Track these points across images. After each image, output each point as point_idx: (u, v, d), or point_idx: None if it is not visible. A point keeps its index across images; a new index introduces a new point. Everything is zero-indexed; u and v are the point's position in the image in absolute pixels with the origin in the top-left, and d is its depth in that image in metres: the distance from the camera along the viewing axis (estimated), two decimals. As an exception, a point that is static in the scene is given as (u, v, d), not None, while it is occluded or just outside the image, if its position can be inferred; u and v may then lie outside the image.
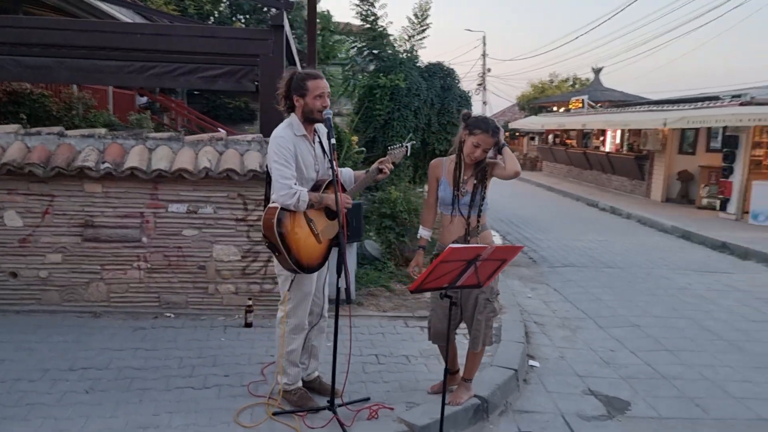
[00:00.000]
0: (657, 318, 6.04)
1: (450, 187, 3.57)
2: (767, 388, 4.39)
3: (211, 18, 21.34)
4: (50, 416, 3.33)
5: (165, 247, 4.97)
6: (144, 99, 16.27)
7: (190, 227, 4.97)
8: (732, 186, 13.09)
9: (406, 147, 3.66)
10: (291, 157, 3.31)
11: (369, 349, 4.49)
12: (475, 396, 3.76)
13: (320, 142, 3.49)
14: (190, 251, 5.00)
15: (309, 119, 3.40)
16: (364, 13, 9.25)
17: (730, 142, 13.15)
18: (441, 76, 9.50)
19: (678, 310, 6.33)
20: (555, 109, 29.17)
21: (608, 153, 19.80)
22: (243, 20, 23.71)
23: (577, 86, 35.36)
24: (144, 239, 4.94)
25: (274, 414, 3.40)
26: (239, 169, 4.84)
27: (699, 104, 14.15)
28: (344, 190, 3.51)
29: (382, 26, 9.37)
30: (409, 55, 9.45)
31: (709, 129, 15.35)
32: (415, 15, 9.67)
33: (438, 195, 3.64)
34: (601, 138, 21.95)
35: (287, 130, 3.37)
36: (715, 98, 14.33)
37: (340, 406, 3.45)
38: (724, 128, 14.49)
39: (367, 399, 3.66)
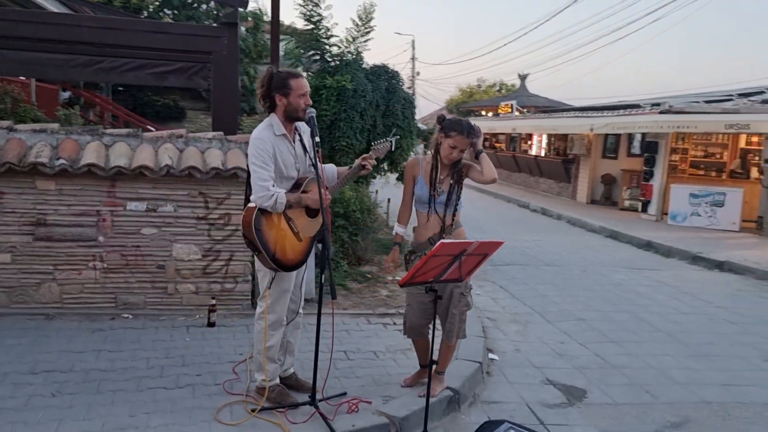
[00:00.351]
0: (599, 312, 6.40)
1: (427, 186, 3.68)
2: (707, 374, 4.76)
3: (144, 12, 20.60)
4: (19, 421, 3.21)
5: (123, 246, 4.84)
6: (67, 94, 15.55)
7: (150, 226, 4.86)
8: (653, 189, 13.92)
9: (390, 142, 3.76)
10: (269, 158, 3.33)
11: (336, 346, 4.54)
12: (448, 388, 3.89)
13: (301, 141, 3.52)
14: (149, 250, 4.89)
15: (291, 118, 3.43)
16: (307, 13, 9.24)
17: (650, 147, 13.99)
18: (386, 78, 9.62)
19: (617, 305, 6.72)
20: (483, 113, 30.00)
21: (536, 156, 20.59)
22: (171, 15, 23.01)
23: (503, 92, 36.52)
24: (100, 238, 4.79)
25: (256, 411, 3.40)
26: (202, 167, 4.78)
27: (622, 111, 14.96)
28: (326, 187, 3.55)
29: (326, 27, 9.39)
30: (354, 56, 9.52)
31: (629, 135, 16.25)
32: (360, 17, 9.75)
33: (414, 193, 3.74)
34: (529, 142, 22.77)
35: (266, 131, 3.39)
36: (636, 106, 15.19)
37: (320, 401, 3.50)
38: (644, 135, 15.46)
39: (344, 394, 3.72)
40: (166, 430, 3.21)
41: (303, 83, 3.39)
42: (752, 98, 14.54)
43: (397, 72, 9.87)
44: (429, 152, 3.78)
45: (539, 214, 15.17)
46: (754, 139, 15.36)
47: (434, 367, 3.87)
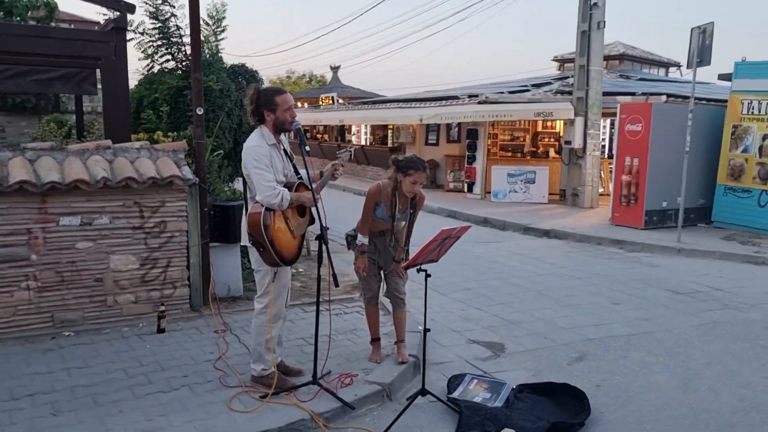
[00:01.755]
0: (477, 281, 7.45)
1: (387, 211, 4.29)
2: (580, 319, 5.97)
3: None
4: (40, 442, 3.23)
5: (57, 263, 4.72)
6: None
7: (85, 239, 4.80)
8: (476, 171, 15.71)
9: (350, 152, 4.26)
10: (269, 162, 3.69)
11: (293, 335, 4.95)
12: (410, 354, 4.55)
13: (284, 149, 3.90)
14: (85, 265, 4.82)
15: (280, 130, 3.80)
16: (153, 10, 9.04)
17: (471, 134, 15.75)
18: (245, 77, 9.82)
19: (488, 274, 7.86)
20: (299, 105, 30.57)
21: (363, 146, 21.74)
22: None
23: (314, 83, 37.36)
24: (33, 257, 4.62)
25: (267, 397, 3.75)
26: (138, 177, 4.83)
27: (445, 102, 16.54)
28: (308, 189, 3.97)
29: (177, 25, 9.25)
30: (212, 56, 9.56)
31: (448, 124, 18.00)
32: (210, 16, 9.80)
33: (376, 215, 4.31)
34: (353, 132, 23.88)
35: (261, 140, 3.73)
36: (455, 97, 16.88)
37: (320, 378, 3.95)
38: (458, 124, 17.31)
39: (329, 372, 4.19)
40: (192, 427, 3.45)
41: (288, 98, 3.78)
42: (544, 88, 17.03)
43: (255, 71, 10.11)
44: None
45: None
46: (548, 123, 17.98)
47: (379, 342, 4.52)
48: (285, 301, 3.95)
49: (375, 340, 4.59)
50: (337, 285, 3.76)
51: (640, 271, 8.21)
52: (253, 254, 3.82)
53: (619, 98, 14.61)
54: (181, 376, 4.10)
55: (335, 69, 32.44)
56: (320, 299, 3.98)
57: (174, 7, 9.13)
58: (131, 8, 6.38)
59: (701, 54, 9.58)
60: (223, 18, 9.88)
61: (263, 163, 3.66)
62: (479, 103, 15.18)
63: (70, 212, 4.70)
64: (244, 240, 3.80)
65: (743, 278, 7.89)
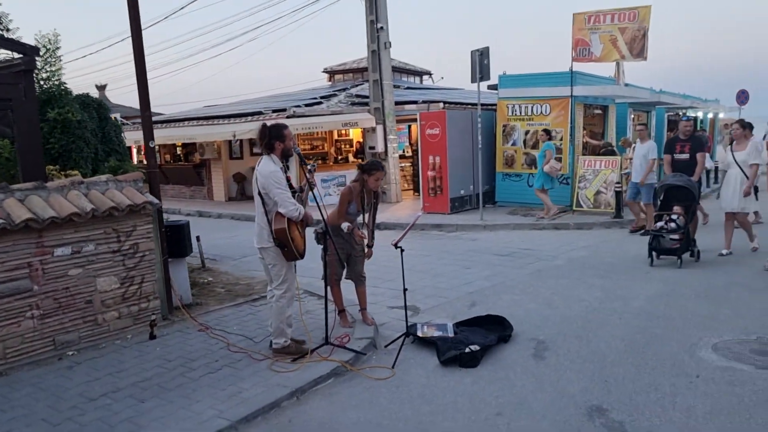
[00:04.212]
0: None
1: (357, 207, 5.65)
2: (453, 282, 7.86)
3: None
4: (152, 416, 4.05)
5: (54, 291, 5.18)
6: None
7: (75, 266, 5.32)
8: (290, 179, 17.06)
9: (314, 166, 5.53)
10: (286, 183, 4.86)
11: (262, 323, 6.01)
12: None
13: (285, 170, 5.07)
14: (77, 289, 5.34)
15: (286, 156, 4.98)
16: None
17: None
18: (94, 107, 10.06)
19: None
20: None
21: (161, 165, 21.62)
22: None
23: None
24: (35, 287, 5.05)
25: (301, 358, 4.91)
26: (118, 206, 5.49)
27: (254, 118, 17.57)
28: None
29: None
30: (58, 89, 9.66)
31: (251, 139, 19.02)
32: (45, 47, 9.87)
33: (349, 211, 5.64)
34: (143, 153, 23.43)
35: (275, 166, 4.88)
36: (260, 113, 18.02)
37: (328, 343, 5.20)
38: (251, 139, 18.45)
39: (326, 338, 5.43)
40: (259, 385, 4.50)
41: (290, 131, 4.98)
42: (334, 99, 19.05)
43: (101, 101, 10.33)
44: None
45: (197, 217, 16.72)
46: (343, 132, 20.12)
47: (345, 312, 5.90)
48: (296, 287, 5.13)
49: (342, 311, 5.92)
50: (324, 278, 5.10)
51: (467, 244, 10.51)
52: (272, 253, 4.93)
53: (407, 107, 17.26)
54: (213, 362, 5.02)
55: (101, 88, 30.94)
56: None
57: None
58: (36, 51, 6.67)
59: (482, 71, 12.29)
60: (58, 47, 9.99)
61: (282, 185, 4.83)
62: (288, 117, 16.59)
63: (62, 243, 5.20)
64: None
65: (537, 239, 10.64)
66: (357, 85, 21.89)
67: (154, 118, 25.01)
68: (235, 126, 17.10)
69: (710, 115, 21.99)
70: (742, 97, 21.82)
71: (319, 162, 19.20)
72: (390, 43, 16.11)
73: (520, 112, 13.79)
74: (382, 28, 15.89)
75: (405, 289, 5.66)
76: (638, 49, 12.79)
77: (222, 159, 19.33)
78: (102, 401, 4.32)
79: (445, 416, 4.07)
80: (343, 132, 20.31)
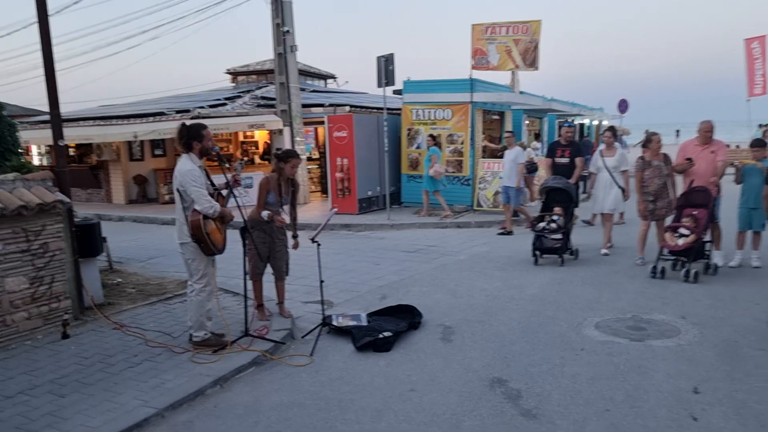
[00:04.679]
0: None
1: (276, 196, 5.85)
2: (364, 277, 8.22)
3: None
4: (82, 410, 4.11)
5: (-40, 292, 5.05)
6: None
7: (-18, 267, 5.20)
8: (196, 181, 16.84)
9: (242, 162, 5.68)
10: (202, 182, 5.01)
11: (180, 318, 6.09)
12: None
13: (205, 170, 5.21)
14: (-16, 290, 5.22)
15: (204, 155, 5.12)
16: None
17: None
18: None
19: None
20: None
21: (52, 167, 20.56)
22: None
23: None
24: (-61, 288, 4.90)
25: (219, 350, 5.07)
26: (28, 205, 5.41)
27: (152, 118, 17.16)
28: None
29: None
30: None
31: (154, 140, 18.59)
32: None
33: (268, 200, 5.83)
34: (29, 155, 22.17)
35: (193, 164, 5.01)
36: (162, 113, 17.62)
37: (248, 334, 5.38)
38: (163, 140, 18.13)
39: (246, 330, 5.60)
40: (183, 376, 4.64)
41: (209, 132, 5.13)
42: (239, 101, 18.99)
43: (2, 102, 9.87)
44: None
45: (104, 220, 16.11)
46: (249, 133, 20.07)
47: (263, 306, 6.12)
48: (214, 282, 5.28)
49: (260, 305, 6.11)
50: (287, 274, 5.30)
51: (376, 243, 10.92)
52: (190, 248, 5.07)
53: (313, 109, 17.50)
54: (132, 356, 5.08)
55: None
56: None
57: None
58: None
59: (387, 76, 12.77)
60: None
61: (198, 183, 4.97)
62: (193, 118, 16.36)
63: (-32, 243, 5.08)
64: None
65: (441, 237, 11.22)
66: (261, 87, 21.89)
67: (40, 118, 23.83)
68: (136, 126, 16.65)
69: (595, 122, 23.77)
70: (623, 106, 23.75)
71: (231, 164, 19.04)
72: (296, 46, 16.30)
73: (424, 117, 14.40)
74: (288, 31, 16.04)
75: (321, 281, 5.94)
76: (531, 59, 13.76)
77: (121, 161, 18.68)
78: (20, 398, 4.30)
79: (363, 394, 4.40)
80: (249, 134, 20.24)
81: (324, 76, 29.61)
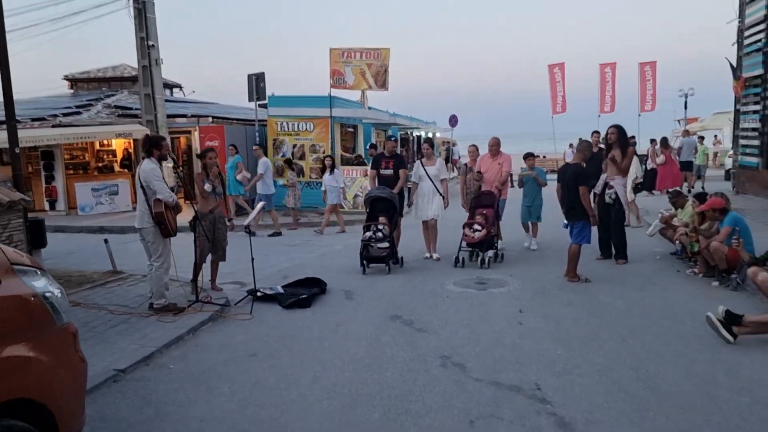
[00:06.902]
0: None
1: (210, 185, 7.33)
2: (263, 264, 9.81)
3: None
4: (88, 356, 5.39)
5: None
6: None
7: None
8: (57, 189, 17.00)
9: (182, 171, 7.10)
10: (162, 177, 6.43)
11: (124, 297, 7.30)
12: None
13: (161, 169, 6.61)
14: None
15: (160, 159, 6.53)
16: None
17: (48, 155, 16.91)
18: None
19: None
20: None
21: None
22: None
23: None
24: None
25: (179, 312, 6.49)
26: (0, 201, 6.41)
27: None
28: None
29: None
30: None
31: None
32: None
33: (206, 190, 7.28)
34: None
35: (154, 165, 6.41)
36: (17, 121, 17.41)
37: (198, 301, 6.84)
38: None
39: (196, 298, 7.00)
40: (160, 330, 6.02)
41: (167, 142, 6.55)
42: (93, 110, 19.26)
43: None
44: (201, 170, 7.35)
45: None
46: (105, 142, 20.31)
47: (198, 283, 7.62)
48: (171, 258, 6.69)
49: (194, 281, 7.53)
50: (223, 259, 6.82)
51: (256, 240, 12.44)
52: (151, 232, 6.45)
53: (177, 120, 18.40)
54: (107, 321, 6.32)
55: None
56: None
57: None
58: None
59: (258, 93, 14.36)
60: None
61: (160, 178, 6.39)
62: (54, 126, 16.56)
63: (-46, 234, 6.00)
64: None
65: (314, 234, 13.04)
66: (111, 95, 22.06)
67: None
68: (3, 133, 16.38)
69: (430, 134, 26.99)
70: (453, 120, 27.21)
71: (80, 172, 19.17)
72: (162, 59, 17.11)
73: (288, 129, 16.13)
74: (153, 45, 16.84)
75: (252, 258, 7.54)
76: (381, 81, 16.10)
77: (-33, 169, 18.05)
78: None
79: (303, 331, 6.15)
80: (106, 142, 20.44)
81: (170, 86, 29.81)
